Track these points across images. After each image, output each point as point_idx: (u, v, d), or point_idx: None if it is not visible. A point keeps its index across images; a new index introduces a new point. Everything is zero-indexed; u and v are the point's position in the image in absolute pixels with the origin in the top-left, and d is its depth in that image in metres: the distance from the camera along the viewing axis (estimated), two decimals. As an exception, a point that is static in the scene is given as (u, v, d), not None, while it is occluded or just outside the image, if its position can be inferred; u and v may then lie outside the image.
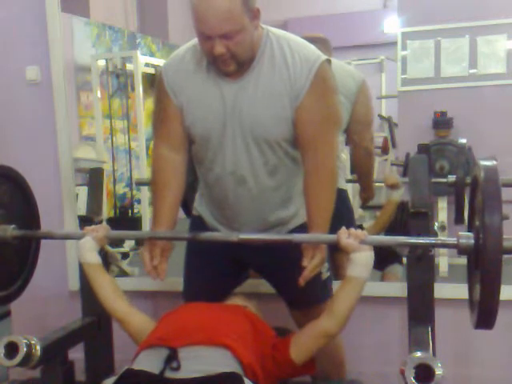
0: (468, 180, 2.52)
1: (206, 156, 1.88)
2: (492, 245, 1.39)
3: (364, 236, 1.64)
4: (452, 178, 2.76)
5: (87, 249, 1.81)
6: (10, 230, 1.88)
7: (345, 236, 1.64)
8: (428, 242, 1.75)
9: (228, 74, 1.76)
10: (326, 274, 1.98)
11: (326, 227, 1.80)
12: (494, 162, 1.49)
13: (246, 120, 1.79)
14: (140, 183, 4.06)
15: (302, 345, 1.68)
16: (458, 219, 2.68)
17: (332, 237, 1.69)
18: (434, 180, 2.30)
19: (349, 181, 2.87)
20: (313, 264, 1.74)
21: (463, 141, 2.98)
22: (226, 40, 1.66)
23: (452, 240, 1.58)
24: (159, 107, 1.91)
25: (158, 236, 1.85)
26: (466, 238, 1.54)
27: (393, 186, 2.90)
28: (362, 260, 1.63)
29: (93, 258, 1.81)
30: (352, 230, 1.66)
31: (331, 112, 1.82)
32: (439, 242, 1.81)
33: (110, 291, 1.79)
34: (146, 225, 3.90)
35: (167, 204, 1.89)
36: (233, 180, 1.86)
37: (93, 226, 1.86)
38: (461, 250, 1.55)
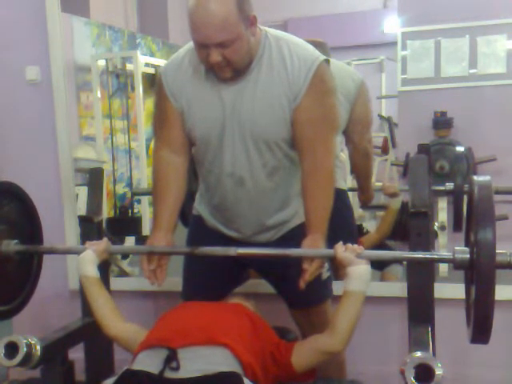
0: (466, 188, 2.52)
1: (205, 157, 1.89)
2: (486, 261, 1.41)
3: (360, 250, 1.65)
4: (450, 186, 2.76)
5: (87, 262, 1.80)
6: (12, 245, 1.90)
7: (341, 250, 1.65)
8: (425, 256, 1.76)
9: (225, 79, 1.76)
10: (326, 274, 1.98)
11: (325, 229, 1.80)
12: (488, 178, 1.52)
13: (244, 122, 1.79)
14: (137, 193, 4.06)
15: (303, 354, 1.68)
16: (457, 226, 2.68)
17: (329, 251, 1.70)
18: (433, 188, 2.31)
19: (351, 189, 2.87)
20: (313, 267, 1.74)
21: (461, 149, 2.98)
22: (222, 48, 1.66)
23: (448, 255, 1.61)
24: (159, 110, 1.91)
25: (156, 251, 1.85)
26: (462, 252, 1.56)
27: (392, 195, 2.91)
28: (358, 274, 1.63)
29: (91, 271, 1.80)
30: (349, 244, 1.66)
31: (329, 113, 1.82)
32: (436, 256, 1.83)
33: (104, 307, 1.78)
34: (146, 225, 3.90)
35: (168, 207, 1.89)
36: (232, 181, 1.86)
37: (94, 241, 1.86)
38: (456, 264, 1.58)
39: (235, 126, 1.80)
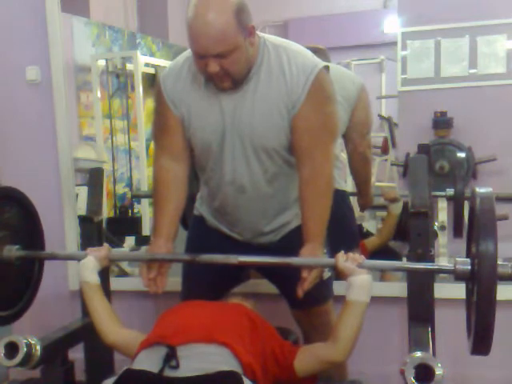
0: (467, 193, 2.51)
1: (206, 165, 1.89)
2: (487, 273, 1.40)
3: (361, 259, 1.64)
4: (450, 192, 2.75)
5: (88, 268, 1.80)
6: (13, 251, 1.90)
7: (342, 259, 1.64)
8: (426, 267, 1.76)
9: (224, 89, 1.75)
10: (327, 274, 1.98)
11: (323, 237, 1.80)
12: (490, 190, 1.51)
13: (244, 130, 1.78)
14: (137, 196, 4.06)
15: (306, 360, 1.67)
16: (457, 232, 2.68)
17: (330, 260, 1.70)
18: (433, 194, 2.31)
19: (352, 193, 2.87)
20: (312, 276, 1.74)
21: (462, 154, 2.98)
22: (220, 59, 1.65)
23: (449, 266, 1.60)
24: (159, 118, 1.90)
25: (157, 258, 1.84)
26: (463, 264, 1.55)
27: (392, 200, 2.90)
28: (359, 284, 1.62)
29: (92, 277, 1.80)
30: (350, 253, 1.66)
31: (328, 120, 1.82)
32: (436, 267, 1.83)
33: (103, 313, 1.77)
34: (146, 224, 3.90)
35: (168, 215, 1.89)
36: (232, 188, 1.86)
37: (95, 247, 1.86)
38: (458, 275, 1.56)
39: (235, 133, 1.79)
